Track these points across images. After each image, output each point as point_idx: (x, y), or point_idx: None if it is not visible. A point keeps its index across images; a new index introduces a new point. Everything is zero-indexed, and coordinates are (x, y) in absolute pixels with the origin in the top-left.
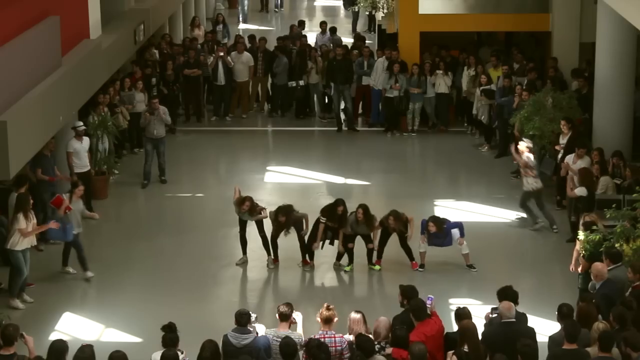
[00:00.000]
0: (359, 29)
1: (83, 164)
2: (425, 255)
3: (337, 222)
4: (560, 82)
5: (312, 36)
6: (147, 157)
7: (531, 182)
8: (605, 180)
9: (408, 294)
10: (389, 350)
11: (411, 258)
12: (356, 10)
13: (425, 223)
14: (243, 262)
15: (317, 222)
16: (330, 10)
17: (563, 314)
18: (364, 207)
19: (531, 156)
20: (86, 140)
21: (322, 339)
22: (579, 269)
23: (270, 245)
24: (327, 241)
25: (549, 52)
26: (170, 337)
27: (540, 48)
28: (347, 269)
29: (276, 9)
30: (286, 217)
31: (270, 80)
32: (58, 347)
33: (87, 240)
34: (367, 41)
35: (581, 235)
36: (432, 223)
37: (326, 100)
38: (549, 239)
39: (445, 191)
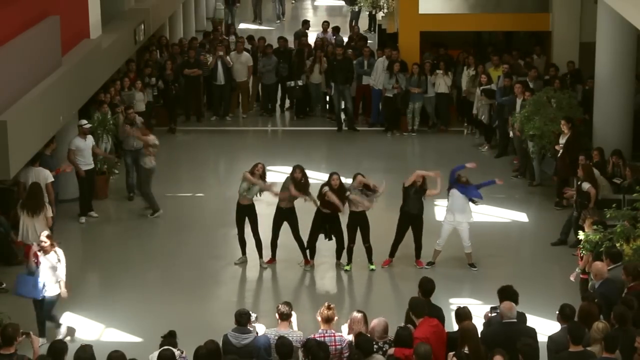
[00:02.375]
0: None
1: (87, 161)
2: (438, 254)
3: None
4: (562, 81)
5: (312, 36)
6: (127, 170)
7: (150, 162)
8: (601, 181)
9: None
10: (391, 350)
11: (418, 255)
12: (356, 10)
13: (455, 174)
14: (242, 262)
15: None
16: (331, 10)
17: (566, 314)
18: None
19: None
20: (90, 138)
21: (322, 338)
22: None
23: (270, 245)
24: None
25: (549, 51)
26: (169, 341)
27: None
28: (347, 268)
29: (278, 20)
30: (302, 174)
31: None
32: (57, 348)
33: (87, 240)
34: (368, 41)
35: (581, 235)
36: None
37: (327, 100)
38: (550, 239)
39: (445, 191)
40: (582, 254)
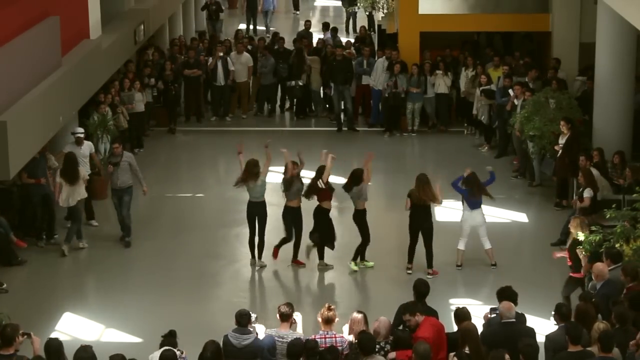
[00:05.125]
0: (352, 29)
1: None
2: (462, 254)
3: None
4: (559, 82)
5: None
6: (116, 209)
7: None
8: (601, 182)
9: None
10: (392, 355)
11: (430, 265)
12: (355, 10)
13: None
14: (261, 266)
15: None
16: (330, 12)
17: (562, 314)
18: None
19: None
20: (87, 145)
21: (323, 339)
22: (582, 272)
23: (281, 241)
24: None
25: (549, 52)
26: (169, 341)
27: (536, 47)
28: (355, 268)
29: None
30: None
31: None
32: (56, 346)
33: (86, 241)
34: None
35: (581, 236)
36: (468, 170)
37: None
38: (549, 239)
39: (445, 191)
40: (583, 254)
